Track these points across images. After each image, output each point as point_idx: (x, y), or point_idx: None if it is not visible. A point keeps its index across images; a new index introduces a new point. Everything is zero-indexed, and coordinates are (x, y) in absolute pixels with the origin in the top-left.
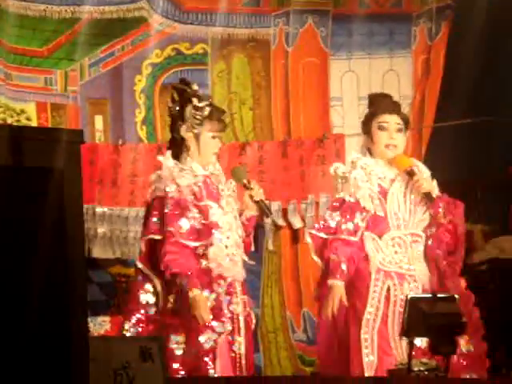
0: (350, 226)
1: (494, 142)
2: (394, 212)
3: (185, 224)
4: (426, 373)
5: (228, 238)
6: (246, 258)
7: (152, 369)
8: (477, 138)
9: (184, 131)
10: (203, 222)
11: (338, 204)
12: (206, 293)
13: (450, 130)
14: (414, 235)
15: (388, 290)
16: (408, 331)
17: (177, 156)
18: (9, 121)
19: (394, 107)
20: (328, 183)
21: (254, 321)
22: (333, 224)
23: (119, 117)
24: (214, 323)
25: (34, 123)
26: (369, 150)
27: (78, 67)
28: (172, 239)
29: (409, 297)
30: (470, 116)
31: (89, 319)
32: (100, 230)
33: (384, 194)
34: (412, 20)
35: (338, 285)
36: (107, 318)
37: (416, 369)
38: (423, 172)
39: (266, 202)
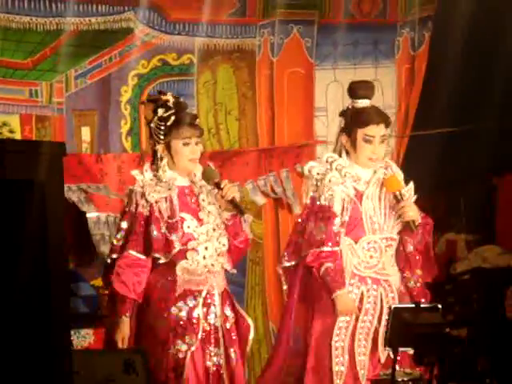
0: (332, 235)
1: (476, 151)
2: (369, 215)
3: (149, 239)
4: (410, 383)
5: (206, 248)
6: (229, 267)
7: (136, 381)
8: (460, 147)
9: (153, 144)
10: (173, 235)
11: (314, 210)
12: (179, 304)
13: (432, 139)
14: (388, 239)
15: (361, 296)
16: (391, 341)
17: (157, 170)
18: None
19: (381, 115)
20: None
21: (251, 331)
22: (318, 236)
23: (106, 128)
24: (186, 337)
25: (17, 135)
26: (346, 151)
27: (63, 79)
28: (125, 255)
29: (392, 307)
30: (453, 125)
31: (72, 332)
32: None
33: (359, 197)
34: (396, 30)
35: (344, 293)
36: (90, 331)
37: (400, 379)
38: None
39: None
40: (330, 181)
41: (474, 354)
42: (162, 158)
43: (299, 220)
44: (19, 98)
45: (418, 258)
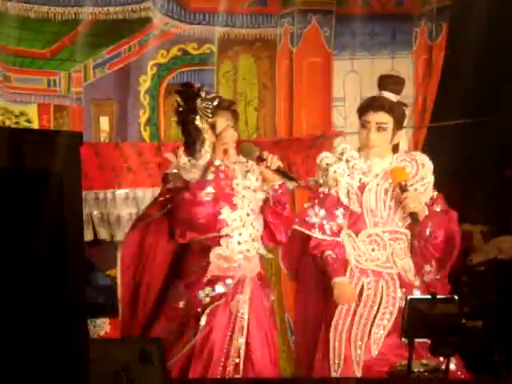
0: (334, 224)
1: (492, 142)
2: (369, 209)
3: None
4: (426, 374)
5: (240, 234)
6: (264, 252)
7: (151, 370)
8: (475, 138)
9: (199, 123)
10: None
11: (319, 198)
12: (207, 289)
13: (448, 130)
14: (393, 232)
15: (362, 288)
16: (407, 332)
17: (191, 154)
18: (7, 123)
19: (382, 104)
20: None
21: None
22: (315, 220)
23: (124, 118)
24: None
25: (35, 125)
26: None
27: (81, 68)
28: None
29: (408, 298)
30: (470, 116)
31: (88, 321)
32: (123, 213)
33: (362, 189)
34: (413, 20)
35: (344, 281)
36: (106, 320)
37: (416, 370)
38: (424, 175)
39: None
40: (334, 171)
41: (489, 345)
42: (205, 139)
43: (305, 206)
44: (37, 87)
45: (431, 251)
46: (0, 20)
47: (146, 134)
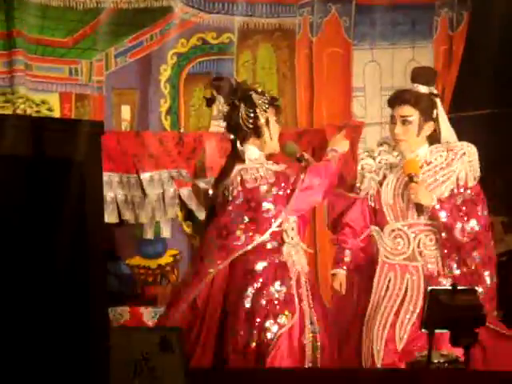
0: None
1: None
2: (388, 203)
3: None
4: (446, 365)
5: (292, 229)
6: (305, 246)
7: (172, 359)
8: (496, 128)
9: (261, 118)
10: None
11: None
12: (276, 285)
13: (469, 121)
14: (415, 225)
15: (389, 281)
16: (428, 323)
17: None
18: (28, 111)
19: (407, 98)
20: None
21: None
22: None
23: (145, 107)
24: (280, 316)
25: (56, 114)
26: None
27: (103, 57)
28: None
29: (429, 289)
30: (490, 106)
31: (108, 310)
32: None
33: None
34: (434, 9)
35: (338, 273)
36: (126, 309)
37: (436, 361)
38: (457, 164)
39: None
40: (362, 168)
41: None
42: (262, 133)
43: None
44: (59, 76)
45: (450, 244)
46: (22, 8)
47: (166, 123)
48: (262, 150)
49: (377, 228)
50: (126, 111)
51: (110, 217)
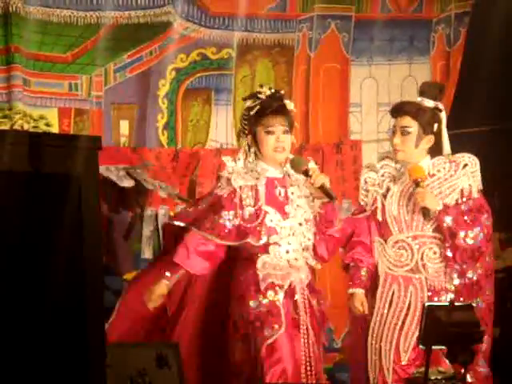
0: (365, 230)
1: (510, 148)
2: (392, 215)
3: (228, 225)
4: (444, 382)
5: (289, 243)
6: (313, 263)
7: (168, 375)
8: (495, 144)
9: (242, 135)
10: (249, 225)
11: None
12: (259, 298)
13: (467, 137)
14: (419, 237)
15: (393, 294)
16: (425, 339)
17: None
18: (26, 127)
19: (407, 109)
20: (348, 189)
21: (326, 323)
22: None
23: (144, 122)
24: (265, 329)
25: (54, 129)
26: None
27: (102, 72)
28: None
29: (426, 305)
30: (487, 123)
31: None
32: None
33: (386, 196)
34: (431, 26)
35: (358, 293)
36: None
37: (433, 377)
38: (461, 175)
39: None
40: (365, 181)
41: (506, 353)
42: (249, 148)
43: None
44: (58, 91)
45: (454, 251)
46: (21, 24)
47: (163, 138)
48: (269, 164)
49: (380, 239)
50: (124, 126)
51: None
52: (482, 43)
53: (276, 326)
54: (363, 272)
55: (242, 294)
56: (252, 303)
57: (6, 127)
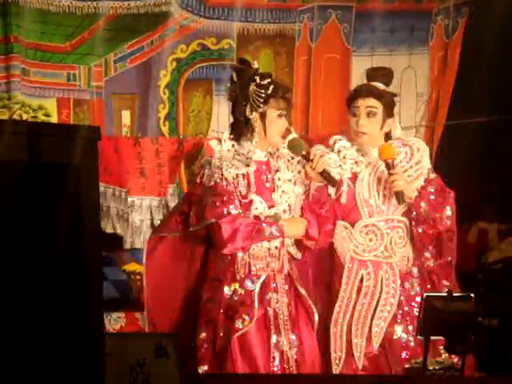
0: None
1: (509, 139)
2: (363, 199)
3: (224, 214)
4: (442, 372)
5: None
6: (294, 252)
7: (167, 365)
8: (493, 136)
9: (249, 111)
10: (243, 214)
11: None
12: (234, 286)
13: (466, 128)
14: (389, 221)
15: (361, 280)
16: (423, 330)
17: (238, 140)
18: (25, 117)
19: (368, 90)
20: None
21: (315, 316)
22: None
23: (145, 112)
24: (236, 321)
25: (53, 119)
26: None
27: (102, 63)
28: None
29: (424, 295)
30: (486, 114)
31: (104, 316)
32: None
33: (354, 180)
34: (431, 17)
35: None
36: (122, 314)
37: (431, 367)
38: (420, 158)
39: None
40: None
41: (505, 344)
42: (254, 128)
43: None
44: (56, 81)
45: (428, 235)
46: (20, 14)
47: (165, 129)
48: (256, 146)
49: (345, 223)
50: (126, 116)
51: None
52: (483, 34)
53: (247, 318)
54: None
55: (218, 279)
56: (227, 290)
57: (5, 117)
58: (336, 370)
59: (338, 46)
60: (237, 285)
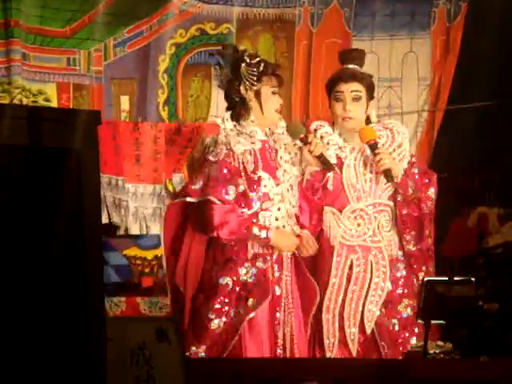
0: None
1: (510, 123)
2: (351, 184)
3: (232, 192)
4: (442, 356)
5: (279, 209)
6: (298, 230)
7: (168, 349)
8: (495, 120)
9: (244, 91)
10: (252, 193)
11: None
12: (246, 265)
13: (466, 113)
14: (377, 205)
15: (351, 265)
16: (424, 314)
17: (237, 120)
18: (24, 101)
19: (351, 74)
20: None
21: (317, 297)
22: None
23: (144, 97)
24: (250, 300)
25: (53, 104)
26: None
27: (101, 47)
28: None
29: (425, 279)
30: (488, 98)
31: (105, 300)
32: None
33: (340, 165)
34: (432, 1)
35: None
36: (123, 299)
37: (431, 351)
38: (401, 141)
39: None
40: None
41: (505, 328)
42: (251, 107)
43: None
44: (56, 66)
45: (411, 216)
46: None
47: (164, 114)
48: (255, 124)
49: (332, 209)
50: (125, 101)
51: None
52: (483, 17)
53: (260, 297)
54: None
55: (231, 259)
56: (240, 270)
57: (6, 101)
58: (330, 356)
59: (339, 31)
60: (249, 264)
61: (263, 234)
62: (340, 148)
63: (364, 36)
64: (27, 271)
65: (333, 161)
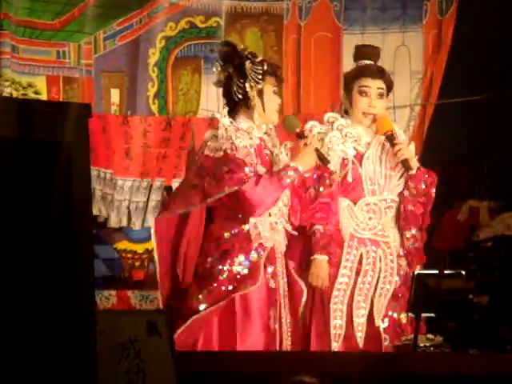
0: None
1: (502, 117)
2: (369, 177)
3: (244, 179)
4: (432, 349)
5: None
6: (289, 228)
7: (159, 343)
8: (484, 113)
9: (249, 89)
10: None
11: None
12: (241, 257)
13: (457, 106)
14: (388, 201)
15: (360, 258)
16: (414, 307)
17: (234, 118)
18: (15, 94)
19: (379, 71)
20: None
21: (304, 295)
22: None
23: (134, 90)
24: (241, 290)
25: (43, 97)
26: (346, 112)
27: (91, 40)
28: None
29: (415, 272)
30: (479, 92)
31: (95, 294)
32: (117, 198)
33: (359, 158)
34: None
35: (320, 259)
36: (113, 292)
37: (422, 345)
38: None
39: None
40: (330, 141)
41: (495, 322)
42: (253, 106)
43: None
44: (46, 59)
45: (417, 216)
46: None
47: (154, 107)
48: (254, 122)
49: (349, 202)
50: (115, 95)
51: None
52: (475, 11)
53: (252, 288)
54: (326, 237)
55: (225, 250)
56: (233, 261)
57: None
58: (335, 347)
59: (329, 25)
60: (243, 256)
61: (291, 172)
62: (356, 141)
63: (355, 30)
64: (16, 264)
65: (351, 152)
